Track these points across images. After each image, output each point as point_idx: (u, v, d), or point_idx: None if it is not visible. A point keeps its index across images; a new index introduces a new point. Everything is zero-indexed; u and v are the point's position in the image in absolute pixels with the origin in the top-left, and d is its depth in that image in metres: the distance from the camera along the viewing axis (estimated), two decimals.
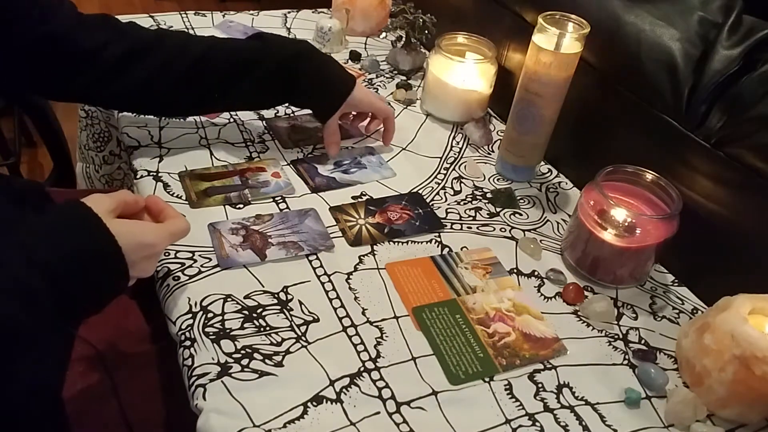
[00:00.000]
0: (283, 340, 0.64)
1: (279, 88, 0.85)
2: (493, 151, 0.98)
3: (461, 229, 0.82)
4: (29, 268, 0.49)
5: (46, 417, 0.54)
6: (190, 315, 0.65)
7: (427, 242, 0.79)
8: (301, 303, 0.68)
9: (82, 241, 0.53)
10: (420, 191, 0.87)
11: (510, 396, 0.62)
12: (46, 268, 0.50)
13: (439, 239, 0.80)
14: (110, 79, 0.76)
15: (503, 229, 0.83)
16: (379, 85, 1.11)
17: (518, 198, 0.89)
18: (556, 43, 0.80)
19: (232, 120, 0.95)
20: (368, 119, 0.96)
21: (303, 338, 0.64)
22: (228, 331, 0.64)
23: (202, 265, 0.70)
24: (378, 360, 0.63)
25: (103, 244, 0.54)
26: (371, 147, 0.93)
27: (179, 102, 0.83)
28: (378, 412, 0.59)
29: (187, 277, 0.68)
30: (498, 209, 0.87)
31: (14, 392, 0.48)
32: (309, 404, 0.58)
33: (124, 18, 1.14)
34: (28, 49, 0.70)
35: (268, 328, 0.65)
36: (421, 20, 1.10)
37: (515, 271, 0.77)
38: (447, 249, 0.79)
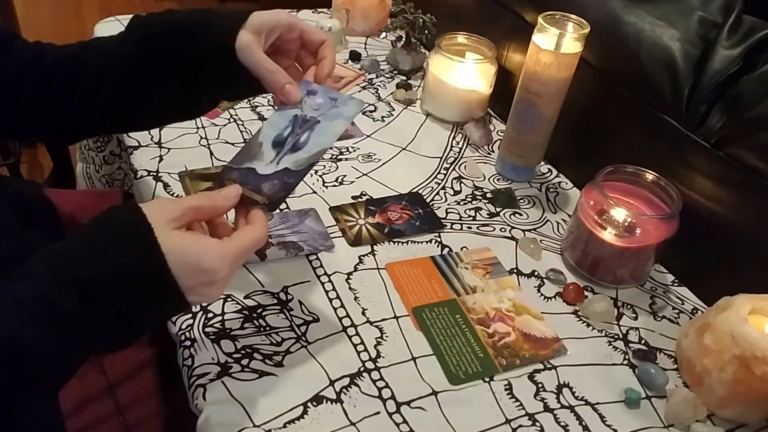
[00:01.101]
0: (283, 340, 0.64)
1: (158, 60, 0.60)
2: (493, 151, 0.98)
3: (461, 229, 0.82)
4: (57, 282, 0.43)
5: (43, 418, 0.54)
6: (190, 315, 0.65)
7: (427, 242, 0.79)
8: (301, 303, 0.68)
9: (123, 255, 0.44)
10: (420, 191, 0.87)
11: (510, 396, 0.62)
12: (79, 283, 0.43)
13: (439, 239, 0.80)
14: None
15: (503, 229, 0.83)
16: (379, 85, 1.11)
17: (518, 198, 0.89)
18: (556, 43, 0.80)
19: (232, 120, 0.95)
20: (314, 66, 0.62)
21: (303, 338, 0.64)
22: (228, 331, 0.64)
23: None
24: (378, 360, 0.63)
25: (147, 263, 0.45)
26: (307, 81, 0.59)
27: (67, 118, 0.64)
28: (378, 412, 0.59)
29: None
30: (498, 209, 0.87)
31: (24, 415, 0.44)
32: (309, 404, 0.58)
33: (124, 18, 1.14)
34: None
35: (268, 328, 0.65)
36: (421, 20, 1.10)
37: (515, 271, 0.77)
38: (447, 249, 0.78)
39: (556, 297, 0.75)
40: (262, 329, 0.64)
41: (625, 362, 0.68)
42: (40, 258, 0.44)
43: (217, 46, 0.58)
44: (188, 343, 0.62)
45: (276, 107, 0.60)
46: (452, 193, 0.88)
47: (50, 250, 0.45)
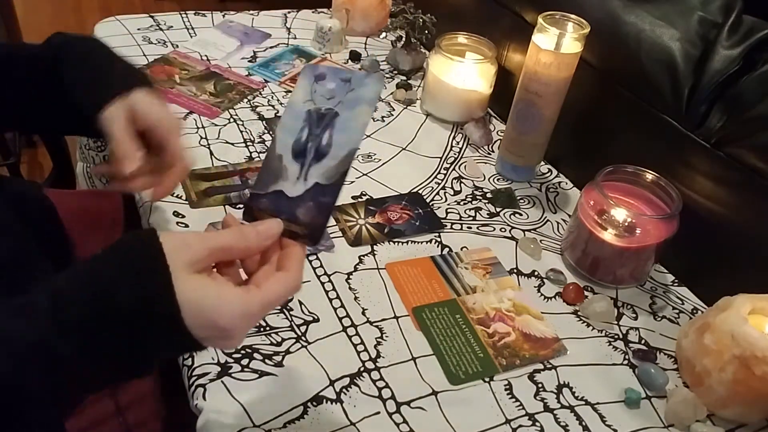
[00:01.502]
0: (283, 340, 0.64)
1: (37, 82, 0.61)
2: (493, 151, 0.98)
3: (461, 229, 0.82)
4: (57, 324, 0.38)
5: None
6: None
7: (427, 242, 0.79)
8: (301, 303, 0.68)
9: (133, 301, 0.39)
10: (420, 191, 0.87)
11: (510, 396, 0.62)
12: (80, 329, 0.39)
13: (439, 239, 0.80)
14: None
15: (503, 229, 0.83)
16: None
17: (518, 198, 0.89)
18: (556, 43, 0.80)
19: (232, 120, 0.95)
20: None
21: (303, 338, 0.64)
22: None
23: None
24: (378, 360, 0.63)
25: (159, 312, 0.40)
26: (314, 66, 0.50)
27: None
28: (378, 412, 0.59)
29: None
30: (498, 209, 0.87)
31: None
32: (309, 404, 0.58)
33: (124, 18, 1.14)
34: None
35: (268, 328, 0.65)
36: (421, 20, 1.10)
37: (515, 271, 0.77)
38: (447, 249, 0.78)
39: (556, 297, 0.75)
40: (262, 329, 0.64)
41: (625, 362, 0.68)
42: (42, 292, 0.40)
43: (82, 105, 0.58)
44: None
45: (285, 104, 0.54)
46: (452, 193, 0.88)
47: (54, 284, 0.40)
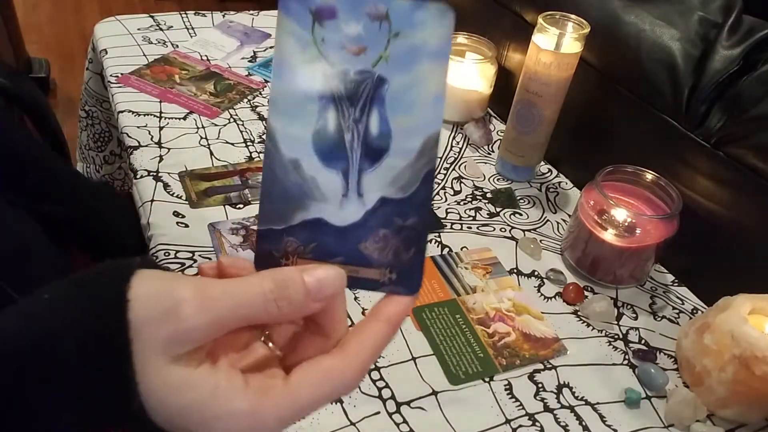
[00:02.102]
0: None
1: None
2: (493, 151, 0.98)
3: (461, 229, 0.82)
4: None
5: None
6: None
7: (426, 242, 0.79)
8: None
9: (75, 378, 0.26)
10: None
11: (510, 396, 0.62)
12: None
13: (439, 239, 0.80)
14: None
15: (503, 229, 0.83)
16: None
17: (518, 198, 0.89)
18: (556, 43, 0.80)
19: (232, 120, 0.95)
20: None
21: None
22: None
23: None
24: (378, 360, 0.63)
25: (109, 405, 0.26)
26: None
27: None
28: (378, 412, 0.59)
29: None
30: (498, 209, 0.87)
31: None
32: None
33: (124, 18, 1.15)
34: None
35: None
36: None
37: (515, 271, 0.77)
38: (447, 249, 0.78)
39: (556, 297, 0.75)
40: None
41: (625, 362, 0.68)
42: None
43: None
44: None
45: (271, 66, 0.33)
46: (452, 193, 0.88)
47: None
